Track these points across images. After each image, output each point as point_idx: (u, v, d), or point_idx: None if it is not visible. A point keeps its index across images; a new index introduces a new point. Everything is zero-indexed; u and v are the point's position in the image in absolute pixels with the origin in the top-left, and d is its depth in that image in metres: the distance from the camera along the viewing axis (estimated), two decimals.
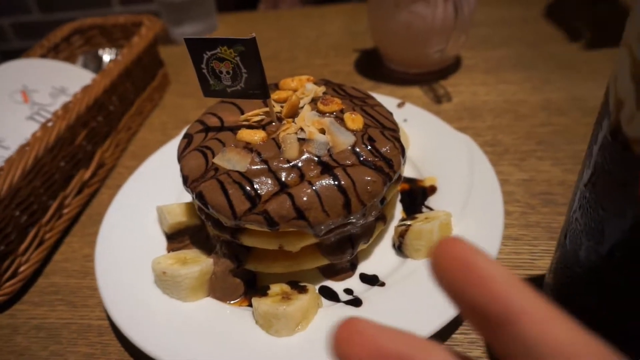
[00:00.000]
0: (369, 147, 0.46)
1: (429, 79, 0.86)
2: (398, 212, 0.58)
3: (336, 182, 0.43)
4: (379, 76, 0.89)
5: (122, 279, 0.50)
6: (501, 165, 0.64)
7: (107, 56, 0.95)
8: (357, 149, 0.46)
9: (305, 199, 0.43)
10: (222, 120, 0.52)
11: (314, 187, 0.43)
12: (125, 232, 0.56)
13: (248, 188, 0.44)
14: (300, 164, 0.45)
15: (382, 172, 0.45)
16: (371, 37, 0.89)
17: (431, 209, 0.56)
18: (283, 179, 0.44)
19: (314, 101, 0.51)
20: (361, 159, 0.46)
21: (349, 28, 1.10)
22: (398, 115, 0.66)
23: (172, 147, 0.67)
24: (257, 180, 0.44)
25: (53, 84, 0.80)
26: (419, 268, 0.48)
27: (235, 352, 0.43)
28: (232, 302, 0.49)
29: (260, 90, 0.47)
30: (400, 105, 0.71)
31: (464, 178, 0.56)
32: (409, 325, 0.41)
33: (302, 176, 0.44)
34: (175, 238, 0.56)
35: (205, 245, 0.54)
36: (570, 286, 0.39)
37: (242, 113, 0.52)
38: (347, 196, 0.43)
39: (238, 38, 0.43)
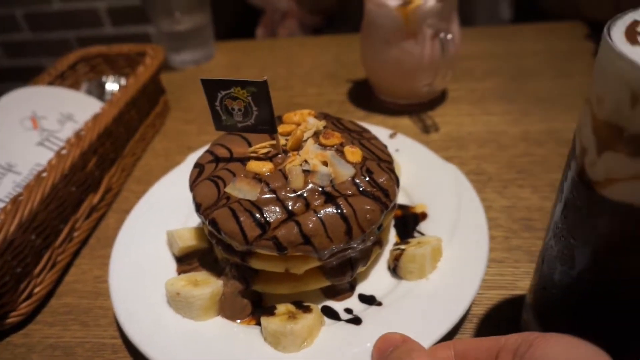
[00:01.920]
0: (368, 178, 0.51)
1: (418, 109, 0.91)
2: (392, 236, 0.62)
3: (339, 211, 0.48)
4: (370, 106, 0.95)
5: (136, 298, 0.54)
6: (485, 193, 0.70)
7: (110, 84, 0.99)
8: (357, 180, 0.51)
9: (311, 226, 0.47)
10: (231, 152, 0.57)
11: (318, 215, 0.47)
12: (137, 254, 0.60)
13: (258, 215, 0.48)
14: (305, 194, 0.49)
15: (379, 201, 0.50)
16: (363, 69, 0.95)
17: (422, 234, 0.60)
18: (290, 207, 0.48)
19: (316, 134, 0.56)
20: (361, 189, 0.50)
21: (342, 58, 1.16)
22: (390, 146, 0.70)
23: (177, 174, 0.72)
24: (266, 208, 0.48)
25: (61, 111, 0.83)
26: (412, 289, 0.52)
27: None
28: (240, 320, 0.52)
29: (269, 125, 0.51)
30: (392, 135, 0.76)
31: (452, 205, 0.61)
32: None
33: (307, 205, 0.49)
34: (185, 261, 0.60)
35: (213, 267, 0.57)
36: (548, 306, 0.44)
37: (249, 145, 0.57)
38: (349, 224, 0.48)
39: (251, 80, 0.48)
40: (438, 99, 0.94)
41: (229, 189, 0.51)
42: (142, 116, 0.89)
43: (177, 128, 0.97)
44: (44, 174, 0.61)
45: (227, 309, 0.53)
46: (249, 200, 0.49)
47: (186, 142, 0.90)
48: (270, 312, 0.50)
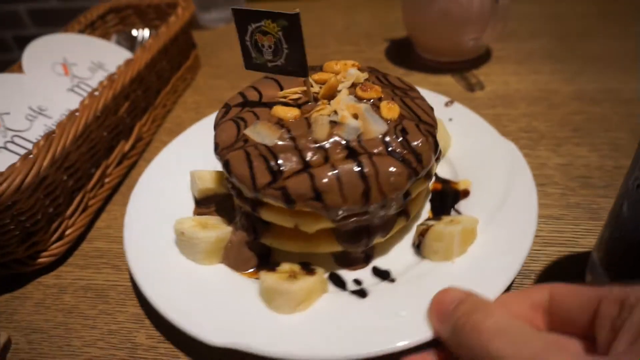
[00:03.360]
0: (400, 138, 0.45)
1: (461, 68, 0.86)
2: (425, 211, 0.56)
3: (359, 169, 0.43)
4: (410, 64, 0.90)
5: (147, 235, 0.52)
6: (538, 150, 0.65)
7: (140, 36, 0.96)
8: (387, 139, 0.45)
9: (325, 180, 0.42)
10: (261, 95, 0.53)
11: (335, 171, 0.43)
12: (158, 193, 0.58)
13: (272, 162, 0.44)
14: (327, 146, 0.44)
15: (409, 165, 0.44)
16: (404, 25, 0.90)
17: (459, 213, 0.54)
18: (307, 158, 0.44)
19: (354, 86, 0.50)
20: (389, 149, 0.45)
21: (378, 18, 1.11)
22: (444, 114, 0.66)
23: (210, 121, 0.68)
24: (282, 155, 0.44)
25: (92, 59, 0.81)
26: (433, 270, 0.47)
27: (232, 317, 0.44)
28: (243, 272, 0.50)
29: (300, 68, 0.46)
30: (448, 104, 0.69)
31: (500, 186, 0.54)
32: (406, 326, 0.40)
33: (326, 158, 0.44)
34: (204, 204, 0.58)
35: (229, 214, 0.55)
36: (626, 256, 0.40)
37: (282, 89, 0.53)
38: (368, 184, 0.43)
39: (282, 12, 0.43)
40: (482, 58, 0.89)
41: (248, 131, 0.47)
42: (173, 67, 0.86)
43: (208, 83, 0.93)
44: (77, 114, 0.58)
45: (231, 258, 0.50)
46: (265, 145, 0.45)
47: (217, 96, 0.87)
48: (272, 268, 0.47)
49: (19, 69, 0.73)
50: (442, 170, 0.60)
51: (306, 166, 0.44)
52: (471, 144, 0.61)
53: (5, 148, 0.62)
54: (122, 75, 0.67)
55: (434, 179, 0.58)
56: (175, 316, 0.43)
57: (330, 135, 0.45)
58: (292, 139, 0.45)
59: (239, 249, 0.50)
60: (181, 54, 0.90)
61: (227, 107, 0.54)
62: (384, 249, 0.51)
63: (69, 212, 0.58)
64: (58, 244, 0.56)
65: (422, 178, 0.47)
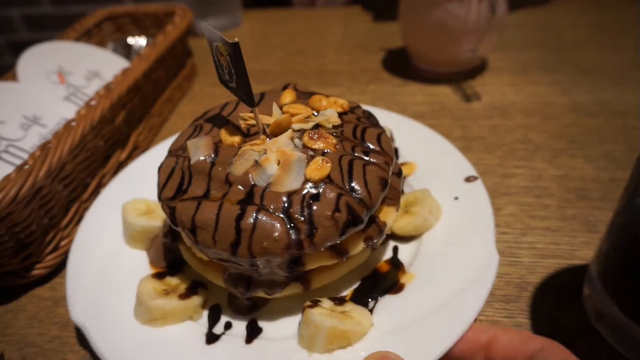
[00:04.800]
0: (305, 204, 0.40)
1: (457, 78, 0.87)
2: (352, 287, 0.48)
3: (239, 219, 0.40)
4: (406, 74, 0.91)
5: (101, 213, 0.56)
6: (534, 161, 0.66)
7: (136, 44, 0.95)
8: (290, 199, 0.40)
9: (205, 217, 0.41)
10: (235, 110, 0.51)
11: (219, 211, 0.40)
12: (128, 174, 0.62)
13: (184, 180, 0.44)
14: (233, 183, 0.42)
15: (294, 235, 0.39)
16: (401, 36, 0.90)
17: (372, 306, 0.45)
18: (209, 189, 0.42)
19: (315, 128, 0.46)
20: (284, 208, 0.40)
21: (374, 29, 1.12)
22: (453, 190, 0.54)
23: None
24: (195, 177, 0.44)
25: (87, 67, 0.80)
26: (287, 352, 0.42)
27: (99, 300, 0.47)
28: (155, 267, 0.51)
29: (247, 96, 0.43)
30: (469, 179, 0.55)
31: (436, 299, 0.43)
32: None
33: (224, 195, 0.42)
34: None
35: None
36: (625, 270, 0.40)
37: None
38: (239, 237, 0.39)
39: (225, 39, 0.40)
40: (478, 69, 0.90)
41: (189, 142, 0.46)
42: (169, 76, 0.86)
43: (204, 92, 0.93)
44: (73, 123, 0.58)
45: (152, 250, 0.53)
46: (188, 161, 0.45)
47: (213, 105, 0.86)
48: (163, 275, 0.48)
49: (13, 77, 0.73)
50: (405, 251, 0.51)
51: (205, 196, 0.42)
52: (453, 236, 0.50)
53: (0, 158, 0.62)
54: (119, 84, 0.66)
55: (389, 256, 0.51)
56: (69, 279, 0.48)
57: (245, 174, 0.42)
58: (212, 164, 0.43)
59: (159, 245, 0.53)
60: (177, 62, 0.90)
61: (205, 113, 0.53)
62: (276, 307, 0.47)
63: (64, 222, 0.57)
64: (53, 255, 0.55)
65: (326, 252, 0.43)
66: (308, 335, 0.41)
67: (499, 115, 0.76)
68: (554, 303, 0.48)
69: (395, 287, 0.46)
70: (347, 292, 0.48)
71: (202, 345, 0.43)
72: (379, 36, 1.08)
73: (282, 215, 0.40)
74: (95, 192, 0.63)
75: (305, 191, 0.41)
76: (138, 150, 0.74)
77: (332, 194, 0.41)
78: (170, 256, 0.52)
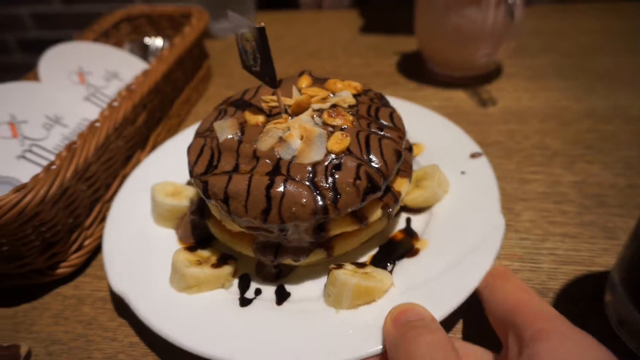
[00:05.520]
0: (328, 173, 0.44)
1: (472, 83, 0.87)
2: (370, 254, 0.52)
3: (269, 187, 0.43)
4: (421, 78, 0.91)
5: (128, 200, 0.59)
6: (552, 167, 0.66)
7: (152, 45, 0.96)
8: (315, 169, 0.44)
9: (237, 187, 0.44)
10: (255, 95, 0.54)
11: (249, 182, 0.44)
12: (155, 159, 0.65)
13: (214, 157, 0.47)
14: (260, 158, 0.46)
15: (320, 201, 0.43)
16: (416, 39, 0.91)
17: (392, 269, 0.49)
18: (238, 163, 0.46)
19: (332, 107, 0.50)
20: (309, 177, 0.43)
21: (386, 32, 1.12)
22: (461, 165, 0.59)
23: None
24: (224, 154, 0.47)
25: (106, 68, 0.81)
26: (319, 311, 0.45)
27: (137, 271, 0.50)
28: (184, 243, 0.54)
29: (270, 78, 0.48)
30: (474, 155, 0.60)
31: (447, 262, 0.47)
32: (238, 345, 0.42)
33: (253, 168, 0.45)
34: None
35: None
36: None
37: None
38: (270, 204, 0.43)
39: (251, 24, 0.45)
40: (493, 74, 0.90)
41: (216, 124, 0.50)
42: (187, 78, 0.87)
43: (219, 93, 0.94)
44: (97, 124, 0.58)
45: (180, 228, 0.56)
46: (217, 140, 0.48)
47: None
48: (195, 248, 0.52)
49: (35, 77, 0.74)
50: (417, 221, 0.55)
51: (234, 170, 0.46)
52: (461, 206, 0.54)
53: (24, 157, 0.62)
54: (141, 85, 0.67)
55: (402, 226, 0.55)
56: (106, 253, 0.52)
57: (270, 149, 0.46)
58: (239, 141, 0.47)
59: (187, 223, 0.56)
60: (194, 64, 0.90)
61: (227, 99, 0.57)
62: (301, 274, 0.51)
63: (87, 222, 0.58)
64: (77, 254, 0.56)
65: (347, 219, 0.46)
66: (335, 294, 0.45)
67: (515, 120, 0.77)
68: (575, 310, 0.48)
69: (410, 252, 0.51)
70: (366, 259, 0.52)
71: (236, 307, 0.47)
72: (391, 38, 1.08)
73: (307, 184, 0.43)
74: (117, 192, 0.64)
75: (327, 162, 0.44)
76: None
77: (352, 164, 0.44)
78: (198, 232, 0.55)
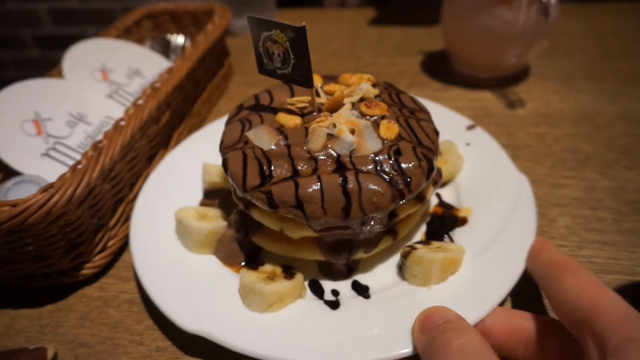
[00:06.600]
0: (392, 159, 0.45)
1: (499, 84, 0.85)
2: (421, 233, 0.55)
3: (343, 184, 0.43)
4: (446, 78, 0.89)
5: (152, 219, 0.56)
6: (585, 172, 0.64)
7: (174, 42, 0.95)
8: (379, 158, 0.45)
9: (308, 191, 0.43)
10: (272, 99, 0.54)
11: (320, 183, 0.43)
12: (171, 181, 0.61)
13: (264, 166, 0.45)
14: (318, 157, 0.45)
15: (395, 187, 0.44)
16: (443, 39, 0.89)
17: (452, 240, 0.52)
18: (297, 166, 0.45)
19: (362, 101, 0.50)
20: (379, 168, 0.44)
21: (410, 31, 1.10)
22: (463, 137, 0.64)
23: None
24: (274, 161, 0.45)
25: (129, 65, 0.80)
26: (409, 293, 0.46)
27: (205, 306, 0.46)
28: (231, 266, 0.51)
29: (305, 78, 0.47)
30: (470, 127, 0.66)
31: (499, 220, 0.52)
32: (372, 341, 0.41)
33: (315, 169, 0.44)
34: (210, 196, 0.61)
35: (230, 209, 0.56)
36: None
37: (292, 96, 0.53)
38: (349, 200, 0.43)
39: (290, 24, 0.44)
40: (521, 75, 0.88)
41: (249, 133, 0.48)
42: (209, 76, 0.86)
43: (240, 91, 0.93)
44: (122, 123, 0.57)
45: (222, 251, 0.52)
46: (261, 149, 0.46)
47: None
48: (256, 266, 0.49)
49: (59, 74, 0.73)
50: (447, 194, 0.59)
51: (295, 174, 0.44)
52: (482, 172, 0.59)
53: (48, 155, 0.62)
54: (165, 83, 0.66)
55: (435, 202, 0.58)
56: (158, 298, 0.46)
57: (324, 148, 0.45)
58: (288, 146, 0.46)
59: (229, 244, 0.53)
60: (217, 61, 0.89)
61: (239, 108, 0.55)
62: (368, 265, 0.51)
63: (111, 222, 0.57)
64: (101, 255, 0.55)
65: (411, 200, 0.47)
66: (422, 272, 0.46)
67: (545, 123, 0.75)
68: None
69: (459, 221, 0.54)
70: (418, 238, 0.55)
71: (329, 312, 0.46)
72: (416, 38, 1.06)
73: (378, 173, 0.44)
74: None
75: (387, 150, 0.45)
76: None
77: (409, 148, 0.46)
78: (245, 250, 0.53)
